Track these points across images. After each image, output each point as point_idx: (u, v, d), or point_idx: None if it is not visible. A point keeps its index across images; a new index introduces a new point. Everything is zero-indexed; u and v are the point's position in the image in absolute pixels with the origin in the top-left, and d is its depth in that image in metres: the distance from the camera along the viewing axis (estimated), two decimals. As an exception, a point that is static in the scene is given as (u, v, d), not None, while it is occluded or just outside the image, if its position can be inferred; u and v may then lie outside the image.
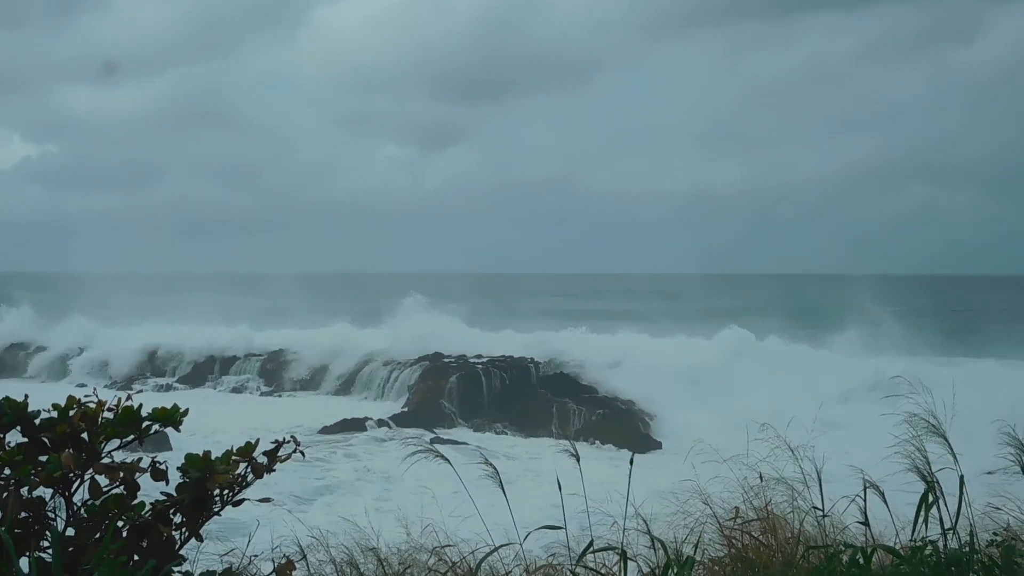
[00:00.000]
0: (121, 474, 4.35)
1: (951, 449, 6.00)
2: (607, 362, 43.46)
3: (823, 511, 6.02)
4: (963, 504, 5.74)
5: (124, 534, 4.33)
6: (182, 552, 4.45)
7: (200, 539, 4.55)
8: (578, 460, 5.98)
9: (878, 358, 43.40)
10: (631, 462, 5.93)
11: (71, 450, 4.29)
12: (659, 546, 5.54)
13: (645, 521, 5.80)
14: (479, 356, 44.75)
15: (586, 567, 5.46)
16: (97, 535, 4.24)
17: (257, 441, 4.59)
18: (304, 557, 5.65)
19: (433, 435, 34.83)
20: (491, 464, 5.99)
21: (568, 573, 5.44)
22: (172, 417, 4.52)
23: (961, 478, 5.82)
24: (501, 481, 5.92)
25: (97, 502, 4.33)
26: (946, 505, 5.77)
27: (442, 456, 5.90)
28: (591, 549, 5.49)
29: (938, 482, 5.83)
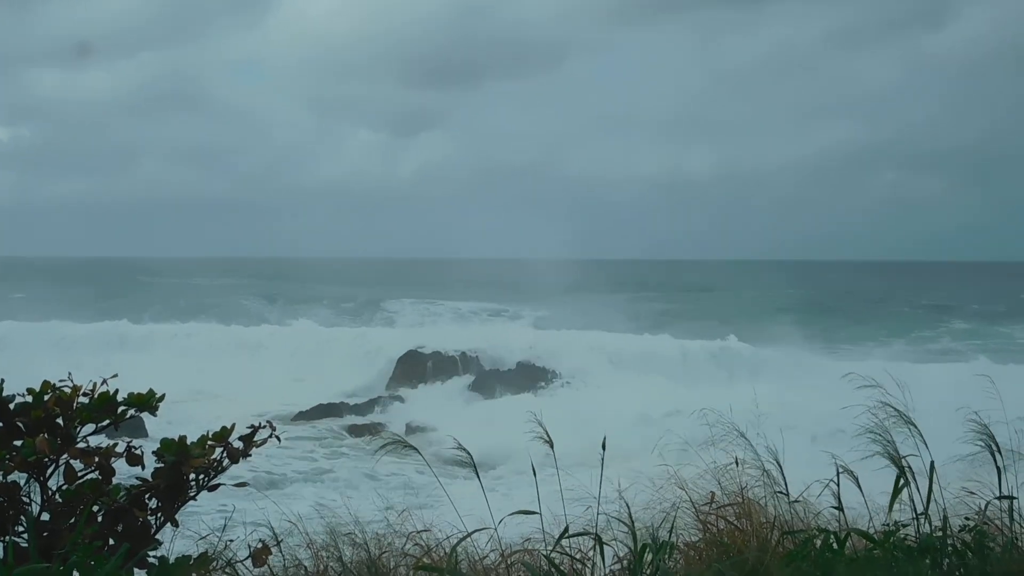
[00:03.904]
0: (96, 459, 4.35)
1: (921, 436, 6.05)
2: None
3: (789, 496, 6.07)
4: (934, 489, 5.79)
5: (100, 519, 4.32)
6: (157, 537, 4.45)
7: (176, 524, 4.55)
8: (552, 446, 6.00)
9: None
10: (603, 447, 5.94)
11: (46, 435, 4.28)
12: (632, 530, 5.57)
13: (627, 504, 5.83)
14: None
15: (561, 552, 5.48)
16: (72, 520, 4.23)
17: (233, 426, 4.59)
18: (280, 542, 5.65)
19: (409, 420, 34.81)
20: (465, 449, 6.00)
21: (543, 558, 5.45)
22: (147, 402, 4.52)
23: (931, 464, 5.87)
24: (476, 466, 5.93)
25: (72, 487, 4.32)
26: (918, 490, 5.82)
27: (412, 447, 5.91)
28: (566, 534, 5.51)
29: (910, 467, 5.88)
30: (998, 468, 5.95)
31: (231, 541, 5.12)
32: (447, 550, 5.57)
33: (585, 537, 5.62)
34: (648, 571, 5.28)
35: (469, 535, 5.60)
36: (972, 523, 5.68)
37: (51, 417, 4.34)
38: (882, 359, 43.39)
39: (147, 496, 4.43)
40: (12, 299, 67.75)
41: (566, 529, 5.55)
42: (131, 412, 4.51)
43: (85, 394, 4.42)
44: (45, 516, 4.29)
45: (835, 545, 5.41)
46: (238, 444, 4.56)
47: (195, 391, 36.49)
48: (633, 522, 5.67)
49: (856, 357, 47.50)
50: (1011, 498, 5.85)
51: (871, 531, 5.67)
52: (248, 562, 4.85)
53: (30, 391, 4.37)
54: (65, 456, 4.31)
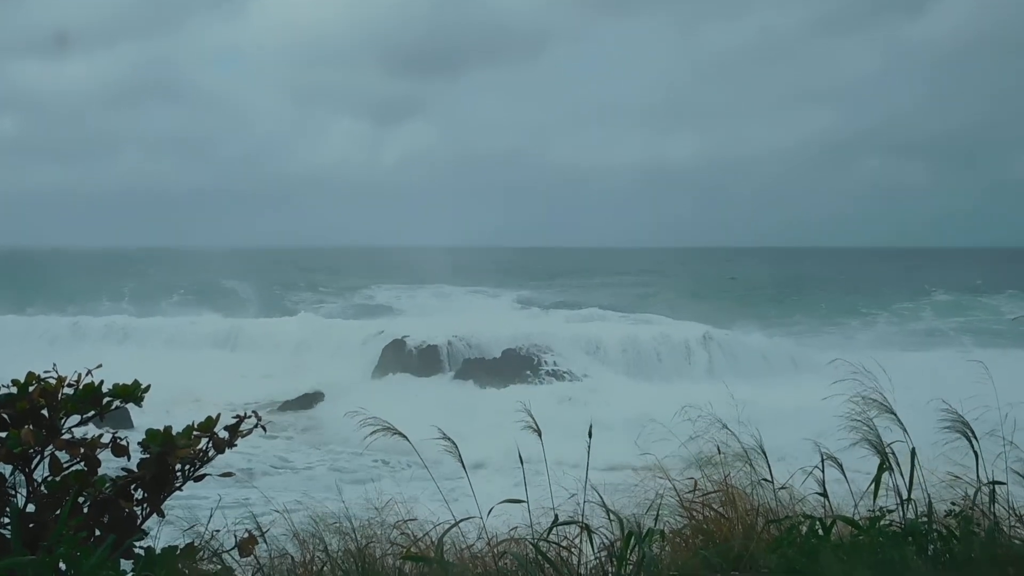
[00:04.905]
0: (82, 450, 4.34)
1: (901, 423, 6.08)
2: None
3: (773, 482, 6.09)
4: (916, 475, 5.82)
5: (85, 510, 4.32)
6: (144, 527, 4.45)
7: (162, 514, 4.55)
8: (540, 435, 6.00)
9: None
10: (589, 434, 5.95)
11: (31, 426, 4.27)
12: (617, 518, 5.58)
13: (599, 494, 5.83)
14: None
15: (547, 541, 5.49)
16: (58, 511, 4.22)
17: (218, 416, 4.59)
18: (264, 533, 5.64)
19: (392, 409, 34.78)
20: (450, 439, 6.00)
21: (530, 547, 5.46)
22: (133, 393, 4.51)
23: (912, 450, 5.90)
24: (460, 456, 5.94)
25: (58, 478, 4.32)
26: (902, 476, 5.84)
27: (401, 434, 5.90)
28: (556, 523, 5.52)
29: (894, 453, 5.90)
30: (975, 453, 5.97)
31: (217, 531, 5.11)
32: (434, 539, 5.57)
33: (571, 525, 5.63)
34: (634, 558, 5.29)
35: (456, 524, 5.60)
36: (958, 508, 5.70)
37: (36, 408, 4.33)
38: (865, 344, 43.74)
39: (133, 487, 4.43)
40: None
41: (556, 518, 5.56)
42: (116, 403, 4.50)
43: (70, 385, 4.42)
44: (31, 507, 4.28)
45: (820, 531, 5.44)
46: (224, 434, 4.56)
47: (180, 384, 36.27)
48: (607, 510, 5.69)
49: (839, 343, 47.83)
50: (1000, 483, 5.87)
51: (856, 517, 5.70)
52: (235, 552, 4.85)
53: (15, 382, 4.36)
54: (50, 447, 4.31)
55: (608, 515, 5.65)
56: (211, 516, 5.26)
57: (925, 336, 53.03)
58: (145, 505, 4.45)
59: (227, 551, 4.92)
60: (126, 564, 4.21)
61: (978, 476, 5.92)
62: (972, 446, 6.00)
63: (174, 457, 4.40)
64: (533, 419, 6.08)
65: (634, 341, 43.97)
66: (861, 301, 69.02)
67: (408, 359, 42.15)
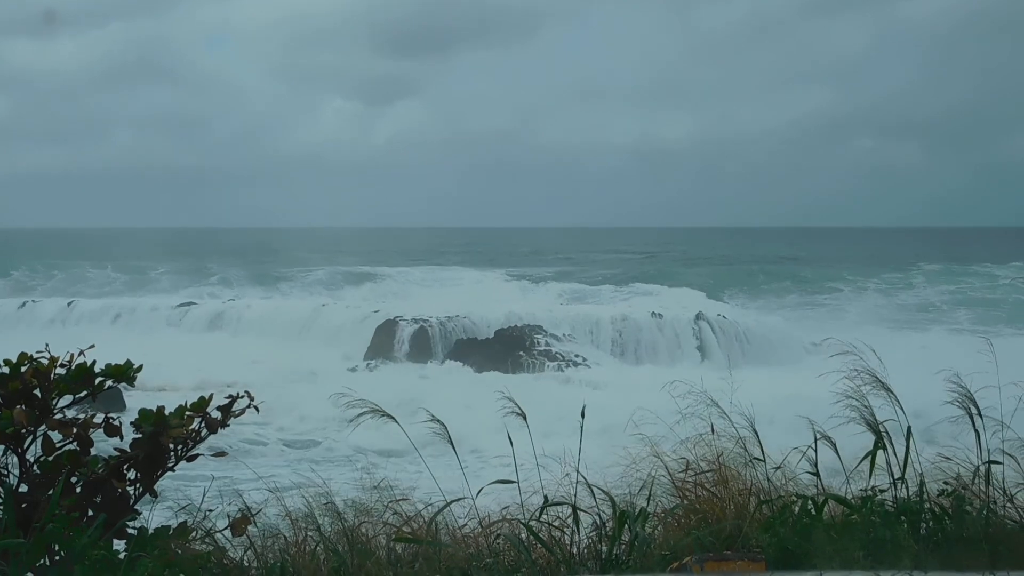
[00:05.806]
0: (74, 430, 4.33)
1: (898, 401, 6.07)
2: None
3: (766, 462, 6.08)
4: (911, 454, 5.81)
5: (78, 490, 4.32)
6: (136, 507, 4.45)
7: (154, 494, 4.54)
8: (525, 419, 5.99)
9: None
10: (582, 415, 5.94)
11: (23, 406, 4.26)
12: (608, 500, 5.58)
13: (585, 478, 5.83)
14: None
15: (539, 521, 5.49)
16: (50, 491, 4.22)
17: (211, 396, 4.58)
18: (255, 513, 5.64)
19: (383, 391, 34.76)
20: (439, 421, 5.99)
21: (521, 527, 5.46)
22: (125, 373, 4.50)
23: (908, 429, 5.89)
24: (451, 438, 5.93)
25: (50, 458, 4.31)
26: (895, 455, 5.83)
27: (390, 416, 5.89)
28: (547, 504, 5.52)
29: (887, 432, 5.89)
30: (976, 432, 5.96)
31: (210, 511, 5.11)
32: (426, 519, 5.57)
33: (564, 506, 5.63)
34: (627, 538, 5.30)
35: (448, 505, 5.60)
36: (951, 488, 5.70)
37: (28, 388, 4.32)
38: (856, 320, 43.80)
39: (125, 467, 4.42)
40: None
41: (546, 499, 5.56)
42: (109, 383, 4.49)
43: (62, 365, 4.41)
44: (23, 487, 4.28)
45: (813, 511, 5.44)
46: (216, 414, 4.55)
47: (170, 366, 36.13)
48: (594, 490, 5.68)
49: (830, 317, 47.89)
50: (996, 463, 5.86)
51: (849, 496, 5.69)
52: (227, 532, 4.85)
53: (7, 362, 4.35)
54: (43, 427, 4.30)
55: (593, 495, 5.65)
56: (204, 496, 5.26)
57: (917, 311, 52.84)
58: (138, 485, 4.45)
59: (220, 531, 4.92)
60: (119, 544, 4.21)
61: (979, 454, 5.91)
62: (974, 424, 5.99)
63: (167, 437, 4.39)
64: (517, 404, 6.07)
65: (628, 321, 43.89)
66: (849, 269, 69.50)
67: (400, 340, 42.03)
